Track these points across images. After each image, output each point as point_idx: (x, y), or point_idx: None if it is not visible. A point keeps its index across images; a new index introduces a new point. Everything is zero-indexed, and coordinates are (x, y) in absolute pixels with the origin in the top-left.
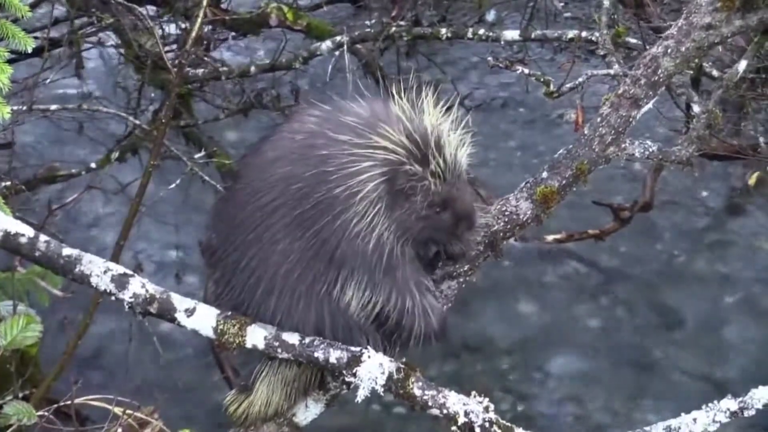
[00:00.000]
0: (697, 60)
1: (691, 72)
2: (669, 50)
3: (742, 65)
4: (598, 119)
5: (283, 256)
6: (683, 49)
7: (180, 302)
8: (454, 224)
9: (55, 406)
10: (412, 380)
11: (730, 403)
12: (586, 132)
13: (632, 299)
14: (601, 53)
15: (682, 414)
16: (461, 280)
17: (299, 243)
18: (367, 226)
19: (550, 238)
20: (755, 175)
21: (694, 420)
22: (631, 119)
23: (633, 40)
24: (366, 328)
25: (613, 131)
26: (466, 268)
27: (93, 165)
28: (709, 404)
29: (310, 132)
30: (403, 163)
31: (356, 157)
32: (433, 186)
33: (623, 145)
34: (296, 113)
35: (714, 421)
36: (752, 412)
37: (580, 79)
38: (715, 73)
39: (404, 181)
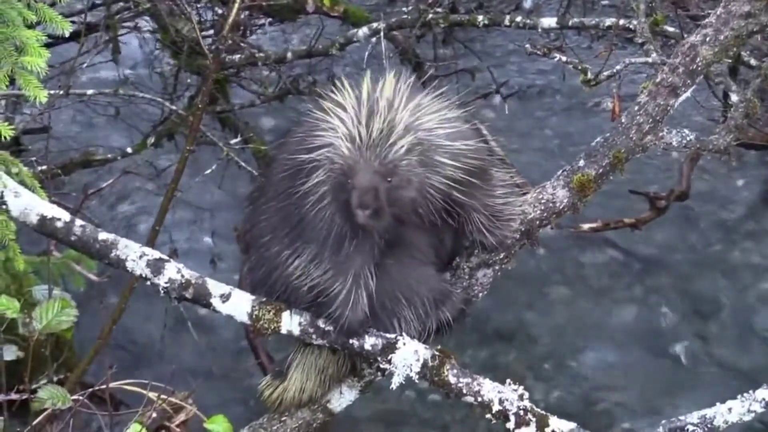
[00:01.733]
0: (735, 48)
1: (729, 61)
2: (707, 38)
3: None
4: (636, 107)
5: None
6: (722, 37)
7: (215, 287)
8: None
9: (90, 390)
10: (447, 367)
11: (765, 393)
12: (623, 120)
13: (667, 288)
14: (639, 41)
15: (717, 404)
16: (497, 267)
17: (279, 207)
18: (321, 200)
19: (585, 226)
20: None
21: (729, 410)
22: (669, 108)
23: (671, 29)
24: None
25: (650, 120)
26: (501, 256)
27: (129, 150)
28: (744, 394)
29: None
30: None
31: (319, 131)
32: (344, 150)
33: (661, 134)
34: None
35: (749, 411)
36: None
37: (618, 67)
38: (753, 62)
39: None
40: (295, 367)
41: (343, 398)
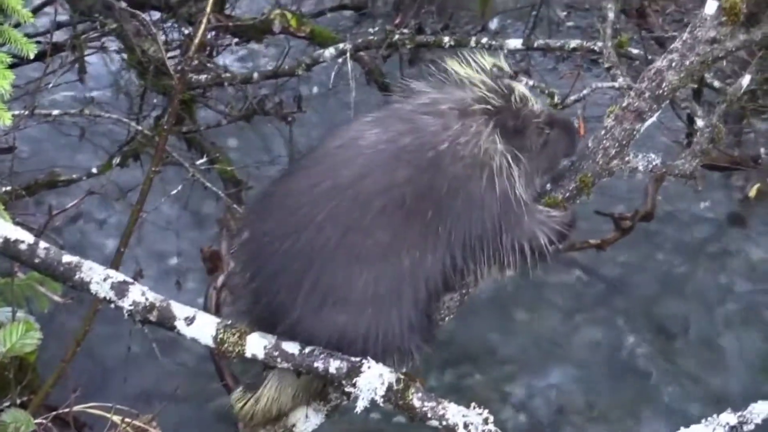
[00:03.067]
0: (701, 73)
1: (694, 85)
2: (673, 64)
3: (746, 79)
4: (602, 132)
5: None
6: (687, 63)
7: (180, 310)
8: (567, 135)
9: (54, 413)
10: (412, 391)
11: (729, 417)
12: (590, 144)
13: (632, 309)
14: (606, 66)
15: (681, 428)
16: (464, 291)
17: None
18: (503, 181)
19: None
20: (756, 186)
21: None
22: (635, 132)
23: (635, 50)
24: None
25: (617, 144)
26: (468, 279)
27: (94, 170)
28: (708, 418)
29: (393, 141)
30: (497, 104)
31: (452, 130)
32: (535, 108)
33: (627, 158)
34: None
35: None
36: (751, 427)
37: (585, 91)
38: (717, 84)
39: (511, 117)
40: (268, 378)
41: (309, 422)
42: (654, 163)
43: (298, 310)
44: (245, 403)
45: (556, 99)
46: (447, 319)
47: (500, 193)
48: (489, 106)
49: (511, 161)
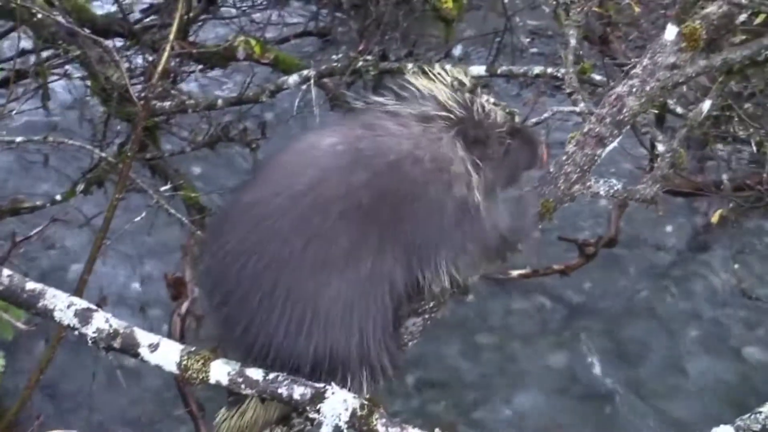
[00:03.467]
0: (661, 98)
1: (656, 110)
2: (634, 89)
3: (707, 105)
4: (564, 157)
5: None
6: (648, 88)
7: (144, 337)
8: (530, 146)
9: None
10: (376, 416)
11: None
12: (551, 170)
13: (596, 334)
14: (567, 91)
15: None
16: (427, 317)
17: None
18: (462, 187)
19: (515, 273)
20: (718, 212)
21: None
22: (596, 157)
23: (598, 77)
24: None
25: (578, 169)
26: (431, 304)
27: (58, 197)
28: None
29: (352, 146)
30: (459, 114)
31: (413, 135)
32: (497, 117)
33: (588, 184)
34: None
35: None
36: None
37: (546, 115)
38: (679, 110)
39: (473, 127)
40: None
41: None
42: (615, 188)
43: (278, 330)
44: (232, 419)
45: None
46: (410, 343)
47: (458, 198)
48: (451, 115)
49: (470, 168)
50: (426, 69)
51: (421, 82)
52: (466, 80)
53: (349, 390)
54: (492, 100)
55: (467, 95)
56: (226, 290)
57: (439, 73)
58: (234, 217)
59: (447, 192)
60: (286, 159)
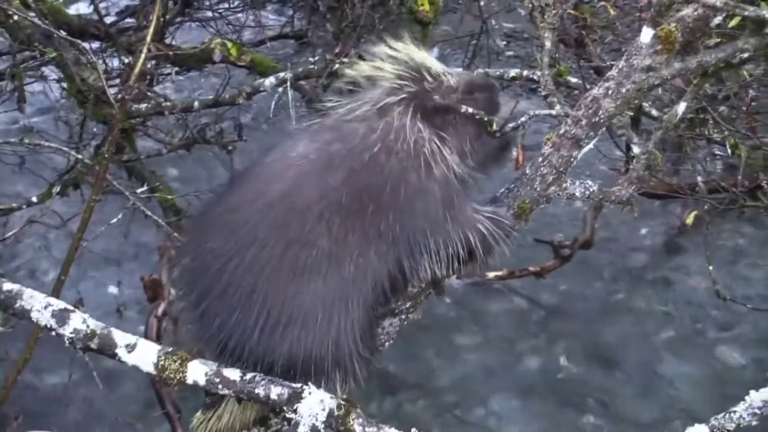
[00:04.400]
0: (637, 101)
1: (631, 113)
2: (610, 91)
3: (682, 107)
4: (540, 159)
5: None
6: (624, 90)
7: (121, 338)
8: (488, 95)
9: None
10: (353, 417)
11: None
12: (527, 171)
13: (571, 336)
14: (543, 94)
15: None
16: (403, 317)
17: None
18: (439, 166)
19: (491, 275)
20: (693, 214)
21: None
22: (572, 159)
23: (574, 79)
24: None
25: (554, 171)
26: (408, 305)
27: (34, 199)
28: None
29: (323, 151)
30: (412, 89)
31: (379, 131)
32: (450, 80)
33: (564, 185)
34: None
35: None
36: None
37: (523, 119)
38: (654, 112)
39: (428, 99)
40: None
41: None
42: (591, 190)
43: (253, 331)
44: (208, 422)
45: (494, 126)
46: (387, 344)
47: (439, 178)
48: (404, 95)
49: (440, 144)
50: (363, 55)
51: (364, 71)
52: (412, 48)
53: (328, 389)
54: (439, 64)
55: (415, 64)
56: (205, 286)
57: (383, 52)
58: (213, 221)
59: (428, 175)
60: (260, 169)
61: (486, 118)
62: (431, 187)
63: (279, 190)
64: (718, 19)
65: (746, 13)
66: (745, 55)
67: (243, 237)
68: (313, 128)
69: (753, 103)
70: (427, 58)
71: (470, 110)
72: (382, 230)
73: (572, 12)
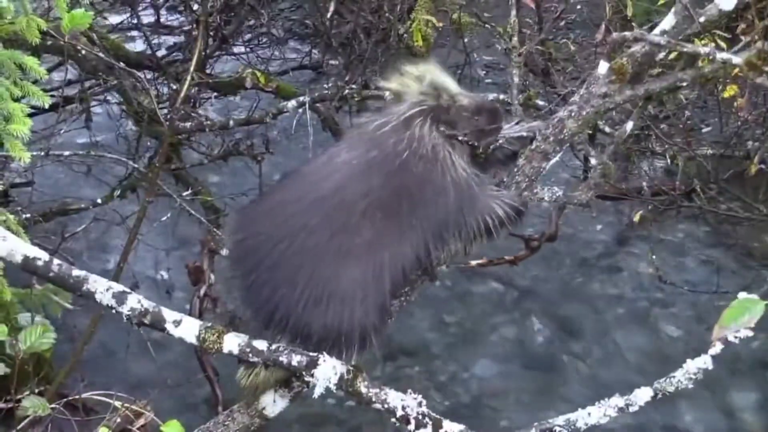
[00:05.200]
0: (595, 121)
1: (590, 131)
2: (573, 114)
3: (630, 125)
4: (515, 169)
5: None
6: (584, 113)
7: (169, 315)
8: (492, 118)
9: (65, 400)
10: (359, 380)
11: (618, 401)
12: (505, 179)
13: (540, 313)
14: (516, 120)
15: (579, 409)
16: (403, 298)
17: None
18: (453, 170)
19: (473, 263)
20: (639, 213)
21: (589, 414)
22: (541, 169)
23: (541, 102)
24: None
25: (527, 179)
26: (407, 288)
27: (99, 200)
28: (601, 401)
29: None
30: (430, 105)
31: (407, 140)
32: (464, 101)
33: (535, 191)
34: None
35: (605, 414)
36: (636, 409)
37: (500, 140)
38: (607, 129)
39: (443, 113)
40: None
41: (276, 406)
42: (557, 195)
43: (297, 304)
44: (248, 377)
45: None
46: (390, 321)
47: (454, 179)
48: (424, 107)
49: (452, 151)
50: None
51: (393, 87)
52: (429, 72)
53: (347, 356)
54: (456, 86)
55: (433, 86)
56: (256, 262)
57: (407, 74)
58: (266, 210)
59: (444, 177)
60: (308, 170)
61: (471, 142)
62: (448, 186)
63: (329, 188)
64: (661, 55)
65: (685, 49)
66: (684, 84)
67: (294, 224)
68: (352, 141)
69: (688, 122)
70: (447, 81)
71: (461, 137)
72: (414, 223)
73: (539, 47)
